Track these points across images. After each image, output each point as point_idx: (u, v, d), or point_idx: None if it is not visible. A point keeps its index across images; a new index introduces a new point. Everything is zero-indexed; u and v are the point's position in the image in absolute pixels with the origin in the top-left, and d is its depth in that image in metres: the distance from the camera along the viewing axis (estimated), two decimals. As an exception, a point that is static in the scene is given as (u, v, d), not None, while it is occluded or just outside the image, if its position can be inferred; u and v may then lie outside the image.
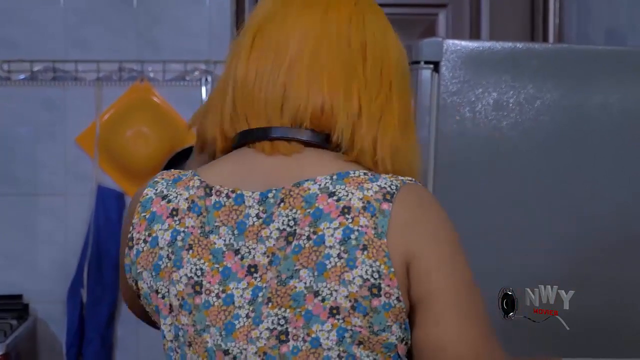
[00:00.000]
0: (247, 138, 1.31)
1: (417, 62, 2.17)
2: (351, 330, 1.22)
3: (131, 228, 1.30)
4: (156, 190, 1.31)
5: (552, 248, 2.14)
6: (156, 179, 1.33)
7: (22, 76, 3.11)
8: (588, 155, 2.15)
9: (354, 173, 1.26)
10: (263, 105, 1.29)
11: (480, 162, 2.15)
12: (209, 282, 1.26)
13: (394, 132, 1.31)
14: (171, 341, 1.30)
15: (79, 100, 3.13)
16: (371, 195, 1.23)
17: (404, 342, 1.25)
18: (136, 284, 1.32)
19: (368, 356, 1.24)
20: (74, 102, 3.13)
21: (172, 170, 1.35)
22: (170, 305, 1.28)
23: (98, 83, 3.13)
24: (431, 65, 2.14)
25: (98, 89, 3.13)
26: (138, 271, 1.30)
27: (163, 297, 1.28)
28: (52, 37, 3.12)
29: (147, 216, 1.29)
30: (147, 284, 1.29)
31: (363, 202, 1.23)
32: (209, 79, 3.12)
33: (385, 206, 1.23)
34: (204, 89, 3.13)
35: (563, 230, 2.14)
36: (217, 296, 1.26)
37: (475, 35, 3.09)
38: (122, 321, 3.19)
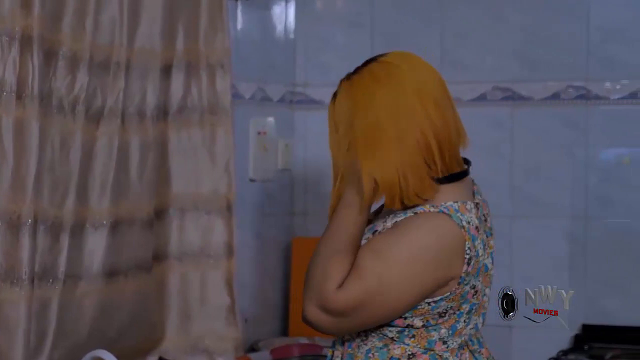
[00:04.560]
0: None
1: None
2: None
3: (468, 250, 1.84)
4: (464, 221, 1.85)
5: None
6: (456, 216, 1.85)
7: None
8: None
9: None
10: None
11: None
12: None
13: None
14: (463, 314, 1.88)
15: None
16: None
17: None
18: (459, 286, 1.85)
19: None
20: None
21: (439, 206, 1.86)
22: (476, 290, 1.88)
23: None
24: None
25: None
26: (468, 278, 1.85)
27: (473, 288, 1.87)
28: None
29: (471, 238, 1.84)
30: (469, 285, 1.86)
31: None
32: None
33: None
34: None
35: None
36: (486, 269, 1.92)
37: None
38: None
